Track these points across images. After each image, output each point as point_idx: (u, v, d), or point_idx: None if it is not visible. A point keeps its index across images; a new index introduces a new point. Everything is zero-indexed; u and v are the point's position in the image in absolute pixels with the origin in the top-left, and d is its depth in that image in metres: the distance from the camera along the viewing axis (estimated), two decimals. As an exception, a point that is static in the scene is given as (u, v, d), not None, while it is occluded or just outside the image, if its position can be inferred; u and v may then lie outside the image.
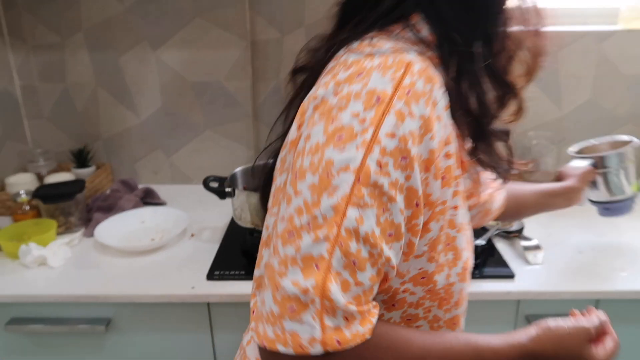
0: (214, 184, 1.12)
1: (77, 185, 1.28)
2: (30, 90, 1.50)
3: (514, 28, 0.56)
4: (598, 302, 1.02)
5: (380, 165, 0.46)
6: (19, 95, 1.51)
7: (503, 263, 1.07)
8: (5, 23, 1.44)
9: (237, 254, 1.14)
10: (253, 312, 0.58)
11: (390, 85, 0.47)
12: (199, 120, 1.53)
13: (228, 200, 1.12)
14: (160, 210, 1.33)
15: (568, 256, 1.12)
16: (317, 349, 0.45)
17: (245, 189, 1.20)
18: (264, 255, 0.58)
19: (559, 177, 1.05)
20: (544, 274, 1.05)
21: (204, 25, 1.43)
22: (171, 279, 1.05)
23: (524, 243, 1.13)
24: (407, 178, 0.47)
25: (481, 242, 1.08)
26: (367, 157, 0.45)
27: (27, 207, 1.27)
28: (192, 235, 1.23)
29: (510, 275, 1.03)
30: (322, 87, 0.51)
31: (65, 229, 1.25)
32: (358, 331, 0.47)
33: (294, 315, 0.45)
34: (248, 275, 1.04)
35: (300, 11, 1.43)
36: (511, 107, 0.59)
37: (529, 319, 1.03)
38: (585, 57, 1.46)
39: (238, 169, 1.22)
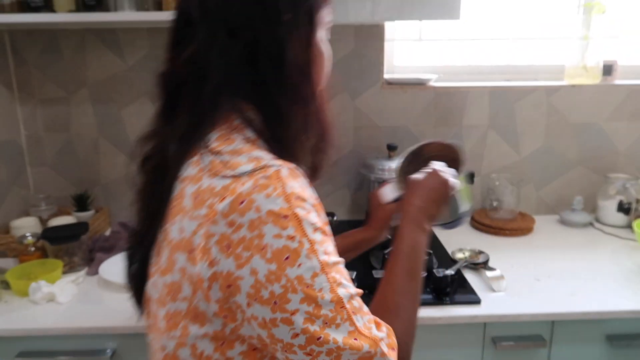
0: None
1: (82, 227, 1.38)
2: (35, 139, 1.62)
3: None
4: (553, 323, 1.16)
5: (326, 253, 0.58)
6: (24, 144, 1.62)
7: (471, 291, 1.21)
8: (15, 79, 1.57)
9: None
10: None
11: (281, 200, 0.55)
12: (193, 166, 1.65)
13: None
14: (158, 249, 1.43)
15: (528, 283, 1.26)
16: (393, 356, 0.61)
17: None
18: None
19: (370, 200, 1.07)
20: (507, 299, 1.19)
21: (199, 82, 1.59)
22: (172, 311, 1.15)
23: (489, 273, 1.27)
24: (333, 241, 0.61)
25: (450, 272, 1.21)
26: (319, 257, 0.57)
27: (33, 249, 1.36)
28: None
29: (476, 301, 1.16)
30: (210, 223, 0.56)
31: (69, 268, 1.34)
32: (387, 331, 0.63)
33: None
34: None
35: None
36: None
37: (495, 341, 1.16)
38: (537, 108, 1.66)
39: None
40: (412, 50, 1.78)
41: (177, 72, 0.64)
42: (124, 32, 1.54)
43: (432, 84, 1.67)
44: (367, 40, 1.60)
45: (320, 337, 0.56)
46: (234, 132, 0.62)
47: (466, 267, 1.33)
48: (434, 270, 1.21)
